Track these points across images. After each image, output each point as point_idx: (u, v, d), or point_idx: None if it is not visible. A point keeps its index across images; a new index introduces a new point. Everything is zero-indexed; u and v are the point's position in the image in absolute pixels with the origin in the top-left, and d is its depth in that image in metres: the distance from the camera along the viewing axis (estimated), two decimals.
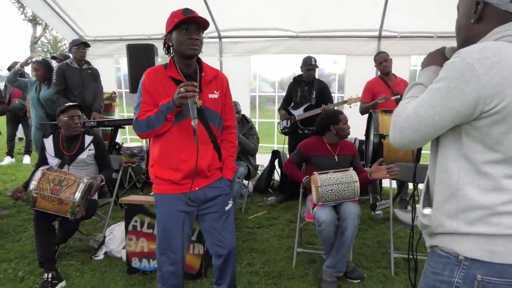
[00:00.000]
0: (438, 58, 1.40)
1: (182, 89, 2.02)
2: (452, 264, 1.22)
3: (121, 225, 3.58)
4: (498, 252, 1.16)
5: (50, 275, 3.01)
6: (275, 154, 5.95)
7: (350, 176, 3.07)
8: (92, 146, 3.54)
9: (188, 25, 2.10)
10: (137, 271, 3.24)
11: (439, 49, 1.44)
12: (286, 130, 5.31)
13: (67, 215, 3.04)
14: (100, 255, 3.54)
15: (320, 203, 3.07)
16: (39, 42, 25.40)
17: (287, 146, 5.48)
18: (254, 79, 6.79)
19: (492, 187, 1.18)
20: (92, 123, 4.77)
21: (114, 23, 6.13)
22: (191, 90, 2.03)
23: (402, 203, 4.71)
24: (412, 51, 5.56)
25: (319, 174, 3.12)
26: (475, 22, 1.27)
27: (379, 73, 4.93)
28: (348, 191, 3.05)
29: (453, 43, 1.40)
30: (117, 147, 5.66)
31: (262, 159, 5.86)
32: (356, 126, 4.96)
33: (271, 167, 5.94)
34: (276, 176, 6.10)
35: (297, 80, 5.29)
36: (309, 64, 5.05)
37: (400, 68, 5.10)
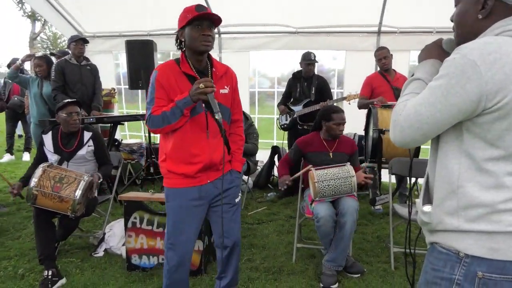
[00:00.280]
0: (435, 51, 1.38)
1: (201, 85, 2.05)
2: (453, 261, 1.22)
3: (121, 222, 3.58)
4: (499, 249, 1.15)
5: (50, 273, 3.00)
6: (275, 149, 5.96)
7: (347, 171, 3.08)
8: (91, 142, 3.53)
9: (201, 21, 2.12)
10: (137, 267, 3.24)
11: (435, 41, 1.41)
12: (285, 126, 5.31)
13: (67, 212, 3.03)
14: (100, 252, 3.55)
15: (317, 198, 3.07)
16: (38, 38, 25.30)
17: (286, 142, 5.48)
18: (254, 75, 6.78)
19: (493, 184, 1.16)
20: (91, 119, 4.77)
21: (113, 19, 6.11)
22: (210, 86, 2.06)
23: (402, 197, 4.71)
24: (411, 47, 5.53)
25: (316, 169, 3.12)
26: (483, 18, 1.23)
27: (378, 68, 4.92)
28: (345, 186, 3.05)
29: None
30: (116, 143, 5.65)
31: (262, 155, 5.86)
32: (356, 121, 4.97)
33: (270, 163, 5.94)
34: (276, 171, 6.09)
35: (296, 76, 5.28)
36: (308, 59, 5.04)
37: (400, 64, 5.09)
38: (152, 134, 5.90)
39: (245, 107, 5.70)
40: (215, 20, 2.16)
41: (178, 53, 2.32)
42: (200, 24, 2.12)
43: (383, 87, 4.57)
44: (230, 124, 2.45)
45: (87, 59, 5.28)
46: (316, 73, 5.29)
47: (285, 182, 3.23)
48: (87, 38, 5.35)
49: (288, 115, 5.24)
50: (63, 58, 5.13)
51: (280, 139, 5.74)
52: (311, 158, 3.39)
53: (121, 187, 5.17)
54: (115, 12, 5.93)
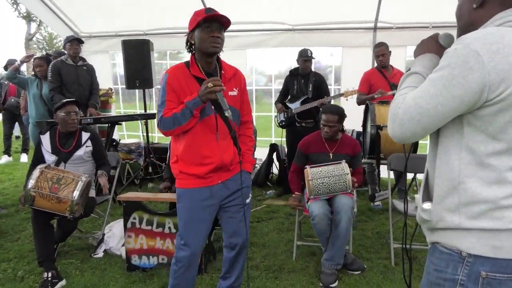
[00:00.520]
0: (432, 45, 1.35)
1: (210, 84, 2.07)
2: (455, 261, 1.19)
3: (120, 222, 3.57)
4: (502, 247, 1.12)
5: (49, 274, 2.99)
6: (273, 147, 5.95)
7: (342, 168, 3.06)
8: (89, 143, 3.52)
9: (210, 23, 2.15)
10: (137, 268, 3.23)
11: (432, 36, 1.38)
12: (283, 123, 5.30)
13: (65, 213, 3.01)
14: (100, 253, 3.54)
15: (312, 196, 3.07)
16: (34, 39, 25.20)
17: (284, 139, 5.47)
18: (251, 72, 6.77)
19: (495, 179, 1.14)
20: (89, 120, 4.75)
21: (109, 19, 6.09)
22: (218, 85, 2.08)
23: (401, 193, 4.71)
24: (408, 42, 5.53)
25: (310, 167, 3.12)
26: (478, 7, 1.22)
27: (376, 64, 4.92)
28: (339, 184, 3.04)
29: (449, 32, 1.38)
30: (114, 143, 5.64)
31: (260, 153, 5.86)
32: (353, 118, 4.97)
33: (269, 160, 5.94)
34: (275, 169, 6.09)
35: (293, 73, 5.27)
36: (305, 56, 5.03)
37: (396, 59, 5.08)
38: (150, 134, 5.90)
39: None
40: (224, 23, 2.19)
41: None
42: (209, 26, 2.14)
43: (381, 83, 4.57)
44: (240, 126, 2.47)
45: (83, 60, 5.25)
46: (313, 70, 5.28)
47: (297, 206, 3.37)
48: (83, 39, 5.34)
49: (285, 113, 5.23)
50: (59, 59, 5.10)
51: (278, 137, 5.73)
52: (312, 159, 3.37)
53: (119, 187, 5.16)
54: (111, 11, 5.90)
